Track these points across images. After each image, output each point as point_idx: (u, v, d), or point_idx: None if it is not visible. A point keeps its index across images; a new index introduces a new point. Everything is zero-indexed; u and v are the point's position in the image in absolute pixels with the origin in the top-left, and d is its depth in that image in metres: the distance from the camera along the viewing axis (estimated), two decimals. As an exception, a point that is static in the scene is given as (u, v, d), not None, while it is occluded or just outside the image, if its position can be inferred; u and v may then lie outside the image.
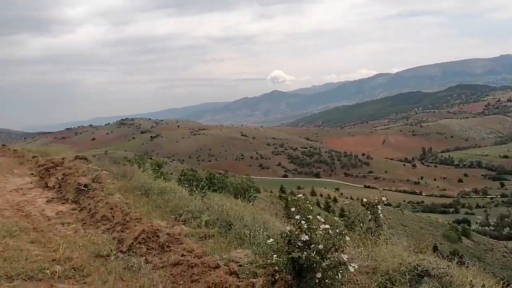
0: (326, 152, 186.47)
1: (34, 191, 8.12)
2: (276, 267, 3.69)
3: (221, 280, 3.78)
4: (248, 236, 5.17)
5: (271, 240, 3.67)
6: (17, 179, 9.17)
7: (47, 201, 7.32)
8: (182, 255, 4.57)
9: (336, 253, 3.46)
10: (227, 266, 4.13)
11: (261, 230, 5.35)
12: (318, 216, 3.60)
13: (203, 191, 8.54)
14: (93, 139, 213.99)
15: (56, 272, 4.21)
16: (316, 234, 3.41)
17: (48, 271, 4.23)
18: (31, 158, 11.37)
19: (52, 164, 9.44)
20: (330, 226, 3.52)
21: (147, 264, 4.47)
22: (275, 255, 3.71)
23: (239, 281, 3.80)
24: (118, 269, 4.33)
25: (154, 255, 4.74)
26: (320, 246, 3.31)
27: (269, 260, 3.89)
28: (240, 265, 4.14)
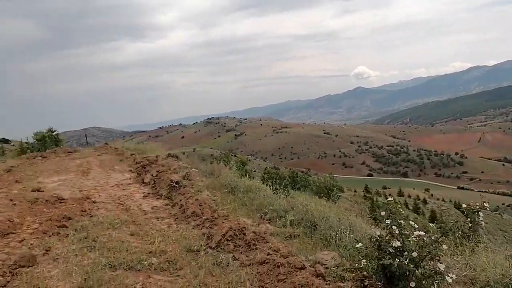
0: (414, 150, 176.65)
1: (132, 186, 8.80)
2: (365, 273, 3.57)
3: (307, 282, 3.75)
4: (334, 237, 5.08)
5: (360, 244, 3.56)
6: (118, 175, 10.02)
7: (143, 196, 7.88)
8: (268, 254, 4.62)
9: (432, 262, 3.25)
10: (313, 267, 4.09)
11: (347, 232, 5.23)
12: (411, 222, 3.41)
13: (286, 189, 8.61)
14: (183, 137, 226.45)
15: (152, 264, 4.51)
16: (409, 241, 3.23)
17: (145, 262, 4.54)
18: (129, 156, 12.35)
19: (147, 162, 10.15)
20: (425, 232, 3.32)
21: (234, 261, 4.59)
22: (364, 260, 3.59)
23: (326, 284, 3.74)
24: (207, 264, 4.50)
25: (241, 252, 4.85)
26: (414, 254, 3.13)
27: (357, 265, 3.78)
28: (327, 268, 4.07)
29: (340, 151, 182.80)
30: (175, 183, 7.90)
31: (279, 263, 4.32)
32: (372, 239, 3.35)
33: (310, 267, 4.09)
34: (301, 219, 5.92)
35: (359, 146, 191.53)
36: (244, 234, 5.20)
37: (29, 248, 4.99)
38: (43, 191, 8.19)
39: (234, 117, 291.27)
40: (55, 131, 20.62)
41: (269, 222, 6.07)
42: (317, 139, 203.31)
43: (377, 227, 6.28)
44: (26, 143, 20.34)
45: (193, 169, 9.84)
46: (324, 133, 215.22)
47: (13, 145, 46.73)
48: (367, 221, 7.84)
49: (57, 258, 4.70)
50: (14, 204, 7.12)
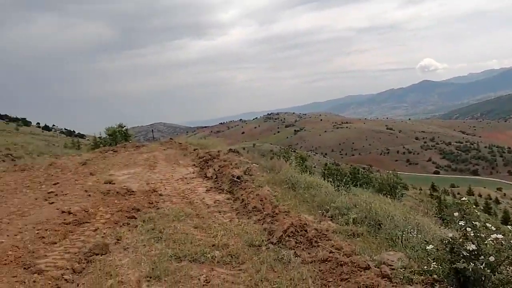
0: (485, 147, 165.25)
1: (196, 180, 9.06)
2: (435, 276, 3.38)
3: (373, 283, 3.62)
4: (400, 238, 4.87)
5: (431, 246, 3.37)
6: (182, 169, 10.37)
7: (206, 190, 8.09)
8: (331, 252, 4.54)
9: (511, 267, 3.00)
10: (378, 268, 3.95)
11: (415, 232, 4.99)
12: (487, 224, 3.17)
13: (347, 186, 8.39)
14: (243, 132, 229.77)
15: (215, 257, 4.60)
16: (485, 244, 3.00)
17: (209, 255, 4.64)
18: (193, 151, 12.73)
19: (210, 156, 10.40)
20: (503, 235, 3.07)
21: (296, 258, 4.55)
22: (434, 263, 3.40)
23: (392, 286, 3.59)
24: (269, 260, 4.51)
25: (303, 249, 4.81)
26: (491, 258, 2.91)
27: (426, 267, 3.59)
28: (393, 269, 3.91)
29: (404, 147, 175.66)
30: (237, 178, 8.02)
31: (342, 262, 4.22)
32: (444, 241, 3.15)
33: (375, 267, 3.95)
34: (364, 217, 5.75)
35: (424, 142, 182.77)
36: (306, 230, 5.15)
37: (102, 237, 5.31)
38: (114, 184, 8.69)
39: (293, 113, 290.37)
40: (124, 126, 21.82)
41: (331, 220, 5.96)
42: (379, 134, 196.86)
43: (447, 228, 5.94)
44: (99, 138, 21.74)
45: (254, 164, 9.92)
46: (387, 129, 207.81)
47: (87, 139, 50.19)
48: (435, 221, 7.44)
49: (127, 248, 4.96)
50: (89, 195, 7.62)
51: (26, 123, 77.96)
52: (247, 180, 7.99)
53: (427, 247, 3.45)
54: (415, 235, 4.86)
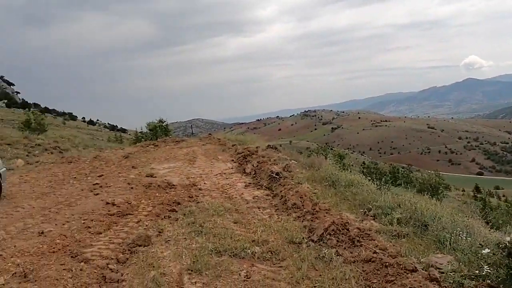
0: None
1: (234, 176, 9.09)
2: (489, 281, 3.19)
3: (420, 286, 3.47)
4: (448, 240, 4.65)
5: (487, 250, 3.18)
6: (221, 164, 10.45)
7: (245, 186, 8.09)
8: (375, 252, 4.40)
9: None
10: (426, 270, 3.79)
11: (464, 235, 4.75)
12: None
13: (387, 186, 8.14)
14: (279, 129, 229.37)
15: (255, 252, 4.58)
16: (548, 250, 2.80)
17: (249, 251, 4.62)
18: (231, 146, 12.79)
19: (248, 152, 10.41)
20: None
21: (338, 257, 4.45)
22: (487, 267, 3.21)
23: (442, 290, 3.43)
24: (310, 258, 4.43)
25: (345, 248, 4.69)
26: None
27: (478, 272, 3.40)
28: (442, 272, 3.74)
29: (446, 147, 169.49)
30: (276, 174, 7.96)
31: (387, 263, 4.08)
32: (501, 245, 2.96)
33: (423, 270, 3.79)
34: (409, 218, 5.54)
35: (468, 142, 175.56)
36: (348, 229, 5.03)
37: (145, 229, 5.40)
38: (155, 177, 8.86)
39: (331, 110, 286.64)
40: (165, 122, 22.28)
41: (373, 219, 5.79)
42: (420, 133, 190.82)
43: (497, 231, 5.64)
44: (141, 132, 22.32)
45: (292, 161, 9.84)
46: (428, 128, 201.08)
47: (129, 134, 51.70)
48: (483, 224, 7.08)
49: (168, 240, 5.02)
50: (132, 188, 7.81)
51: (72, 117, 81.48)
52: (286, 177, 7.92)
53: (483, 251, 3.26)
54: (464, 238, 4.62)
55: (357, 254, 4.48)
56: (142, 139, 20.14)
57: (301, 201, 6.48)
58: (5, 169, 7.40)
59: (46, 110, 73.56)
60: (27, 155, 12.57)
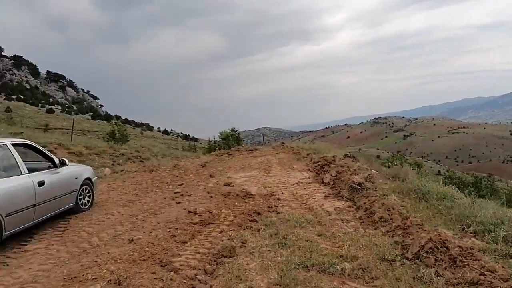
0: None
1: (312, 186, 8.85)
2: None
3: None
4: None
5: None
6: (297, 174, 10.26)
7: (324, 196, 7.81)
8: (482, 274, 3.94)
9: None
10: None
11: None
12: None
13: (471, 197, 7.42)
14: (348, 137, 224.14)
15: (345, 269, 4.30)
16: None
17: (338, 266, 4.36)
18: (306, 155, 12.56)
19: (325, 162, 10.11)
20: None
21: (438, 278, 4.05)
22: None
23: None
24: (407, 277, 4.08)
25: (445, 268, 4.26)
26: None
27: None
28: None
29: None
30: (358, 185, 7.60)
31: (498, 287, 3.62)
32: None
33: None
34: (517, 236, 4.94)
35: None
36: (447, 247, 4.57)
37: (228, 239, 5.36)
38: (233, 186, 8.90)
39: (403, 117, 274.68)
40: (236, 130, 22.63)
41: (474, 236, 5.25)
42: (502, 140, 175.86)
43: None
44: (213, 141, 22.87)
45: (373, 170, 9.37)
46: (511, 134, 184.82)
47: (201, 143, 53.47)
48: None
49: (252, 252, 4.91)
50: (211, 197, 7.89)
51: (149, 127, 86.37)
52: (369, 188, 7.53)
53: None
54: None
55: (460, 275, 4.05)
56: (216, 148, 20.61)
57: (389, 214, 6.09)
58: (96, 177, 7.85)
59: (126, 121, 78.70)
60: (112, 164, 13.34)
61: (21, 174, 5.51)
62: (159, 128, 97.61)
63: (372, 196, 7.01)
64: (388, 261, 4.58)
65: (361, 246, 5.04)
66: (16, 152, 5.67)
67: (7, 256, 4.93)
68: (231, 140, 21.55)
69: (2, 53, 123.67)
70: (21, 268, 4.56)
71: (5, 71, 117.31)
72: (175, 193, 8.30)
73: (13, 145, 5.75)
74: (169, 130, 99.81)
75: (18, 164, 5.55)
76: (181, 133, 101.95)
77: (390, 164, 16.20)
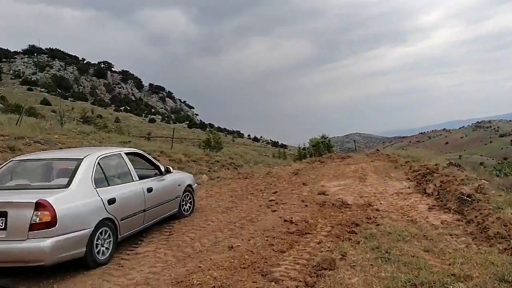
0: None
1: (413, 196, 8.32)
2: None
3: None
4: None
5: None
6: (395, 183, 9.73)
7: (428, 208, 7.29)
8: None
9: None
10: None
11: None
12: None
13: None
14: (446, 142, 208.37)
15: (460, 290, 3.94)
16: None
17: (450, 286, 4.00)
18: (404, 163, 11.88)
19: (427, 170, 9.45)
20: None
21: None
22: None
23: None
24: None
25: None
26: None
27: None
28: None
29: None
30: (467, 196, 6.96)
31: None
32: None
33: None
34: None
35: None
36: None
37: (327, 251, 5.23)
38: (327, 195, 8.72)
39: (510, 120, 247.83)
40: (327, 137, 22.29)
41: None
42: None
43: None
44: (303, 148, 22.79)
45: (483, 180, 8.53)
46: None
47: (289, 150, 53.71)
48: None
49: (354, 265, 4.73)
50: (306, 206, 7.80)
51: (240, 135, 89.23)
52: (480, 200, 6.85)
53: None
54: None
55: None
56: (307, 155, 20.49)
57: (505, 230, 5.47)
58: (196, 184, 8.24)
59: (219, 129, 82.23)
60: (208, 171, 13.95)
61: (133, 181, 5.98)
62: (249, 135, 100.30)
63: (485, 209, 6.36)
64: (508, 282, 4.10)
65: (475, 264, 4.59)
66: (128, 160, 6.18)
67: (121, 258, 5.36)
68: (321, 147, 21.27)
69: (112, 68, 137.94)
70: (134, 269, 4.92)
71: (114, 85, 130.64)
72: (269, 201, 8.36)
73: (126, 154, 6.28)
74: (259, 137, 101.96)
75: (130, 172, 6.04)
76: (270, 139, 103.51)
77: (498, 172, 14.64)
